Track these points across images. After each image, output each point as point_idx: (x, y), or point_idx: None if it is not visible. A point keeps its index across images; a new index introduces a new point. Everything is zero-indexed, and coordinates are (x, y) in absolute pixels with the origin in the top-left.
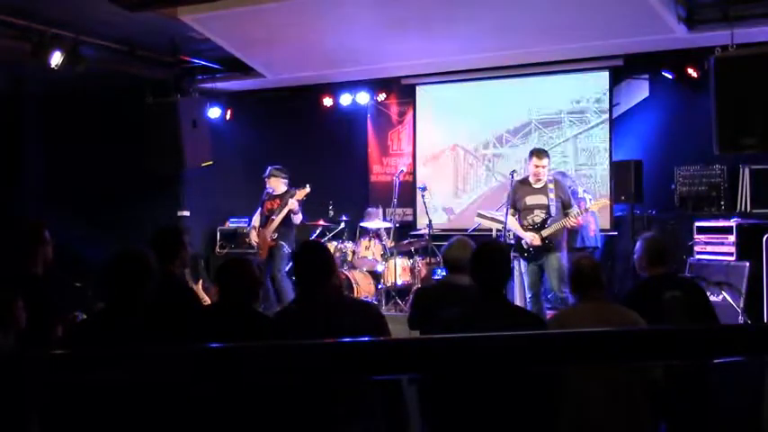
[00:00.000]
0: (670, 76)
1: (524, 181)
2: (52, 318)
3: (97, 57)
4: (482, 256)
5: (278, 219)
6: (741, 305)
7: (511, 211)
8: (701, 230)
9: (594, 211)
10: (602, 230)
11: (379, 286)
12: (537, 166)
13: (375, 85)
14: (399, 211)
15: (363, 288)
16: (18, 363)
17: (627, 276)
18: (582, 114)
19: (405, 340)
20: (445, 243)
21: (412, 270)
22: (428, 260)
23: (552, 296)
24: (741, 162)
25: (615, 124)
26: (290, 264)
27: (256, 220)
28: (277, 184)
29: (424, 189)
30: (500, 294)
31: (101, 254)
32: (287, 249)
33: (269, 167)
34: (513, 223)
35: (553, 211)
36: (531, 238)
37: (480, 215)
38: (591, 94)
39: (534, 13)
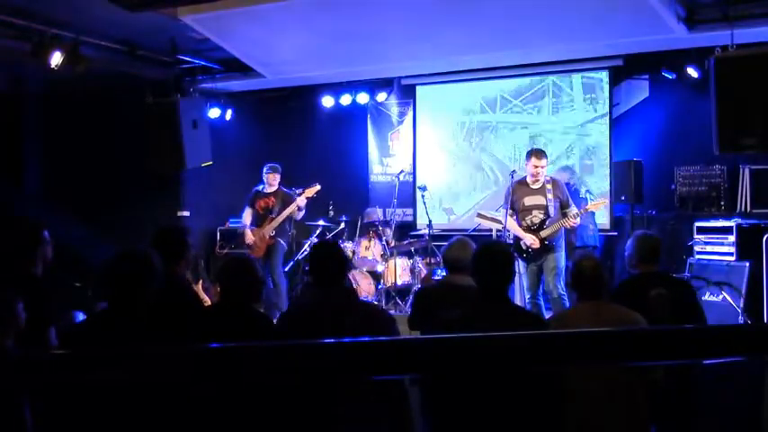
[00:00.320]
0: (670, 76)
1: (522, 181)
2: (48, 318)
3: (97, 57)
4: (485, 257)
5: (282, 216)
6: (741, 305)
7: (509, 211)
8: (701, 230)
9: (593, 210)
10: (602, 230)
11: (379, 286)
12: (536, 167)
13: (375, 85)
14: (399, 211)
15: (363, 288)
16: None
17: (626, 276)
18: (582, 114)
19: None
20: (445, 243)
21: (412, 270)
22: (428, 260)
23: (548, 296)
24: (741, 162)
25: (615, 124)
26: (290, 264)
27: (247, 217)
28: (272, 182)
29: (424, 189)
30: (502, 295)
31: (101, 254)
32: (284, 247)
33: (268, 164)
34: (511, 224)
35: (551, 211)
36: (531, 241)
37: (480, 215)
38: (590, 94)
39: (534, 13)
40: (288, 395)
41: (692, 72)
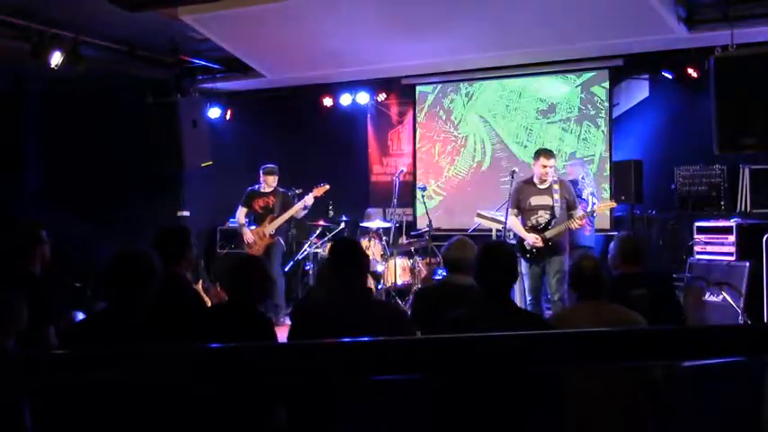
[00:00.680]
0: (670, 76)
1: (529, 181)
2: (47, 318)
3: (97, 57)
4: (488, 258)
5: (286, 215)
6: (741, 305)
7: (514, 211)
8: (701, 230)
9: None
10: (602, 231)
11: (379, 286)
12: (545, 166)
13: (375, 85)
14: (399, 211)
15: None
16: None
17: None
18: (582, 114)
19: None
20: (445, 243)
21: (412, 270)
22: (428, 260)
23: (549, 297)
24: (741, 162)
25: (615, 124)
26: (290, 264)
27: (242, 217)
28: (271, 182)
29: (424, 189)
30: (504, 296)
31: (101, 254)
32: (283, 246)
33: (265, 166)
34: (515, 224)
35: (558, 212)
36: (534, 240)
37: (480, 215)
38: (590, 94)
39: (534, 13)
40: (288, 395)
41: (692, 72)
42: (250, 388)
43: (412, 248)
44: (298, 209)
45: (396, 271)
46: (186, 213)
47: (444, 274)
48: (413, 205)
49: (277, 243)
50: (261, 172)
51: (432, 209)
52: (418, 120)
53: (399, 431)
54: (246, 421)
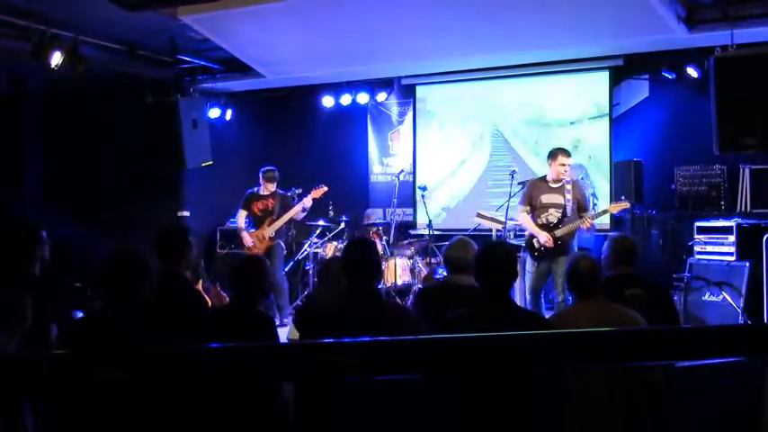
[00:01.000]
0: (670, 76)
1: (542, 179)
2: (47, 318)
3: (97, 57)
4: (487, 257)
5: (285, 218)
6: (741, 305)
7: (526, 208)
8: (701, 230)
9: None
10: (602, 231)
11: (379, 286)
12: (563, 165)
13: (375, 85)
14: (399, 210)
15: None
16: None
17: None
18: (582, 114)
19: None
20: (445, 243)
21: (412, 270)
22: (428, 260)
23: (553, 296)
24: (741, 162)
25: (615, 124)
26: (290, 264)
27: (242, 220)
28: (270, 185)
29: (424, 189)
30: (505, 295)
31: (101, 254)
32: (283, 249)
33: (265, 169)
34: (526, 220)
35: (569, 211)
36: (546, 239)
37: (480, 215)
38: (591, 94)
39: (534, 14)
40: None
41: (692, 72)
42: (250, 388)
43: (412, 248)
44: (296, 211)
45: (396, 271)
46: (186, 213)
47: (445, 273)
48: (413, 205)
49: (277, 246)
50: (260, 175)
51: (431, 209)
52: (418, 120)
53: (399, 431)
54: (247, 421)
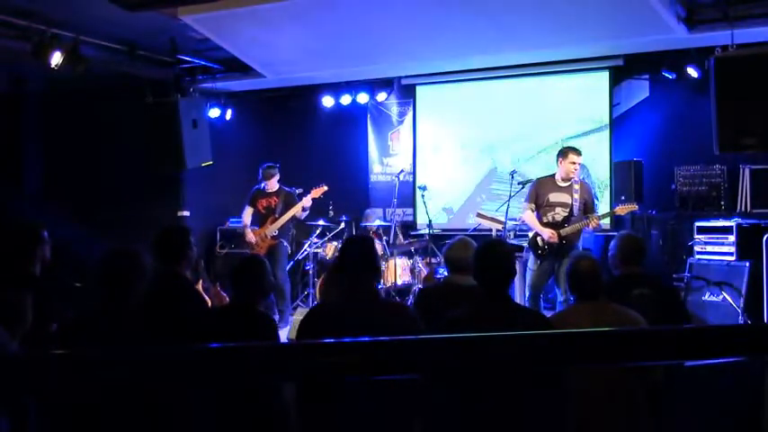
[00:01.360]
0: (670, 76)
1: (549, 178)
2: (48, 318)
3: (97, 57)
4: (485, 255)
5: (285, 216)
6: (741, 305)
7: (531, 206)
8: (701, 230)
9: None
10: (601, 231)
11: (379, 286)
12: (573, 163)
13: (375, 85)
14: (399, 211)
15: None
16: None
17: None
18: (582, 114)
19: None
20: (445, 243)
21: (412, 270)
22: (428, 260)
23: (552, 296)
24: (741, 162)
25: (615, 124)
26: (290, 264)
27: (247, 217)
28: (272, 182)
29: (424, 189)
30: (503, 294)
31: (101, 254)
32: (287, 248)
33: (265, 164)
34: (531, 218)
35: (575, 211)
36: (550, 235)
37: (480, 215)
38: (591, 94)
39: (534, 14)
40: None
41: (692, 72)
42: (251, 388)
43: (412, 248)
44: (296, 211)
45: (396, 271)
46: (186, 213)
47: (445, 273)
48: (413, 205)
49: (280, 245)
50: (260, 174)
51: (432, 209)
52: (418, 120)
53: (399, 431)
54: (247, 421)
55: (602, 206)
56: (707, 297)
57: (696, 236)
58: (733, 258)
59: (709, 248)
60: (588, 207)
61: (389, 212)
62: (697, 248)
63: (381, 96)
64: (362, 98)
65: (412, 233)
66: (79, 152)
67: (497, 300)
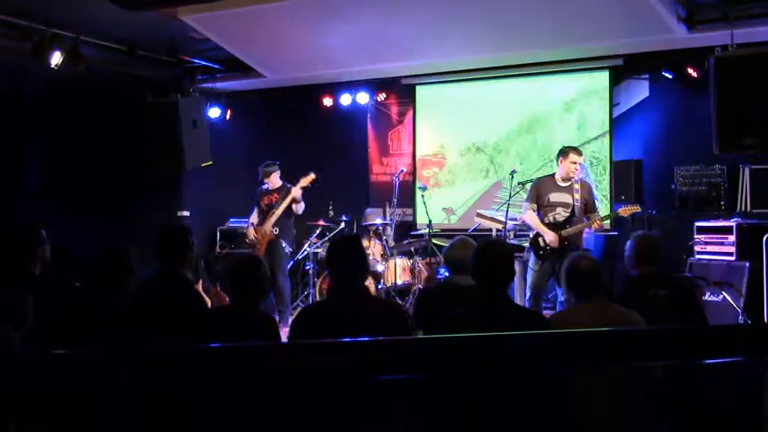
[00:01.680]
0: (670, 76)
1: (550, 178)
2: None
3: (97, 57)
4: (483, 255)
5: (280, 209)
6: (741, 305)
7: (533, 206)
8: (701, 230)
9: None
10: (602, 231)
11: (380, 286)
12: (574, 163)
13: (375, 85)
14: (399, 211)
15: None
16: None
17: (627, 276)
18: (582, 114)
19: (405, 340)
20: (445, 243)
21: (412, 270)
22: (428, 260)
23: (552, 296)
24: (741, 162)
25: (615, 124)
26: (290, 264)
27: (254, 217)
28: (273, 180)
29: (424, 189)
30: (502, 294)
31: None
32: (288, 248)
33: (264, 163)
34: (532, 219)
35: (577, 211)
36: (552, 238)
37: (480, 215)
38: (591, 94)
39: (534, 14)
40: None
41: (692, 72)
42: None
43: (412, 248)
44: (288, 203)
45: (396, 271)
46: (186, 213)
47: (447, 274)
48: (413, 205)
49: (279, 244)
50: (260, 174)
51: (431, 209)
52: (418, 120)
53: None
54: (247, 421)
55: (602, 206)
56: (707, 297)
57: (696, 236)
58: (733, 258)
59: (709, 248)
60: (589, 206)
61: (389, 212)
62: (697, 248)
63: (381, 96)
64: (362, 98)
65: (412, 233)
66: (79, 152)
67: (496, 300)
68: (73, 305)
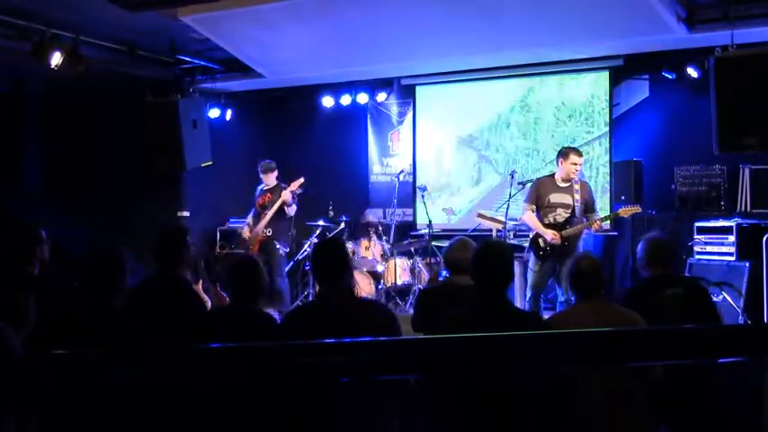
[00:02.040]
0: (670, 77)
1: (549, 178)
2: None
3: (97, 57)
4: (482, 257)
5: (271, 211)
6: (741, 305)
7: (532, 207)
8: (701, 230)
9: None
10: (602, 231)
11: (379, 286)
12: (574, 164)
13: (375, 85)
14: (399, 211)
15: (363, 288)
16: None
17: (626, 276)
18: (582, 114)
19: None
20: (445, 243)
21: (412, 270)
22: (428, 260)
23: (552, 296)
24: (741, 162)
25: (615, 124)
26: (290, 264)
27: (251, 217)
28: (270, 179)
29: (424, 189)
30: (501, 295)
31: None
32: (283, 250)
33: (261, 163)
34: (532, 219)
35: (577, 212)
36: (552, 236)
37: (480, 215)
38: (591, 94)
39: (534, 14)
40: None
41: (692, 72)
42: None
43: (412, 248)
44: (278, 205)
45: (396, 271)
46: (186, 213)
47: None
48: (413, 205)
49: (272, 245)
50: (259, 167)
51: (431, 209)
52: (418, 120)
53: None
54: (247, 421)
55: (601, 206)
56: None
57: (696, 236)
58: (733, 258)
59: (709, 249)
60: (589, 207)
61: (389, 212)
62: (697, 249)
63: (381, 96)
64: (362, 98)
65: (412, 233)
66: (79, 152)
67: (495, 301)
68: (71, 306)
